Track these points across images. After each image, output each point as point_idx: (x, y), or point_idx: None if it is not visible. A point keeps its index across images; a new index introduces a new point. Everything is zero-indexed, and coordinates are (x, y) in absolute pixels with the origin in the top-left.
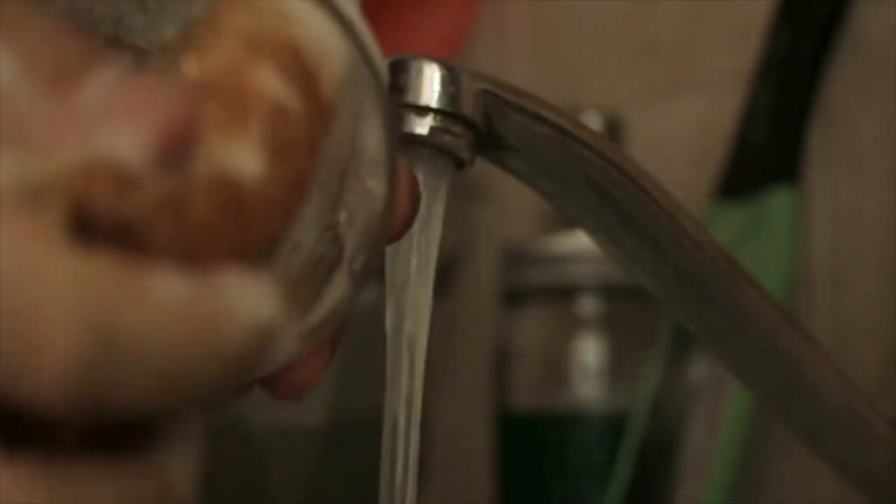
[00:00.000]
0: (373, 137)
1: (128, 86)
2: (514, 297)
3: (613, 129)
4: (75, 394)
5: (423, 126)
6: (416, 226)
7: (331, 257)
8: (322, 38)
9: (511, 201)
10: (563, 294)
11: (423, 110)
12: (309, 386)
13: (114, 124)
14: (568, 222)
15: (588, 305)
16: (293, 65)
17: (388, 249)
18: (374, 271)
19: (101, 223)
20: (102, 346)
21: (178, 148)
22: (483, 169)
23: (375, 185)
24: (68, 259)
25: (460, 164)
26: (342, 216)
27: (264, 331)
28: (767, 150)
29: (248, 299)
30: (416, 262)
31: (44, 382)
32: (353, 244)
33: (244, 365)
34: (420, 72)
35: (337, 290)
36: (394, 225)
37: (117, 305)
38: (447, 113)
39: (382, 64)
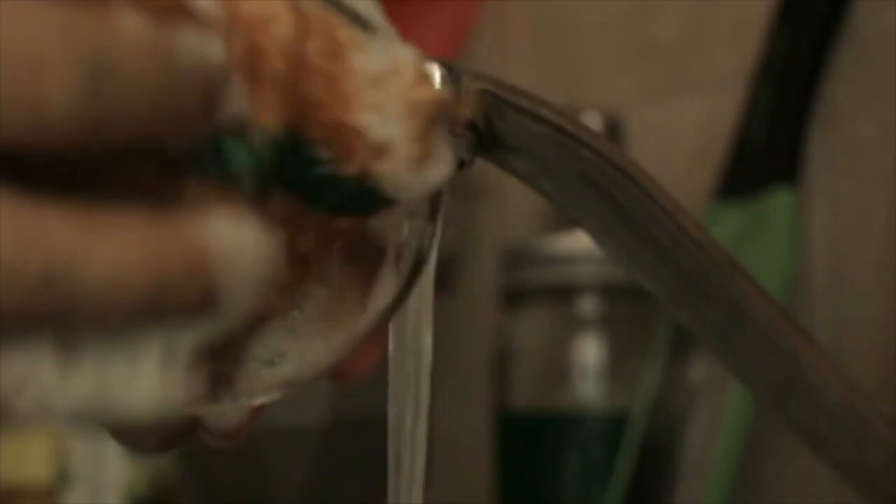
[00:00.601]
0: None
1: None
2: (514, 297)
3: (613, 129)
4: (80, 120)
5: None
6: None
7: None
8: None
9: (511, 201)
10: (563, 294)
11: None
12: (369, 371)
13: None
14: (568, 222)
15: (588, 305)
16: None
17: None
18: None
19: None
20: (95, 77)
21: None
22: (483, 169)
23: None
24: (57, 8)
25: (460, 165)
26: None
27: (216, 69)
28: (767, 150)
29: (200, 42)
30: None
31: (53, 112)
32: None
33: (203, 98)
34: None
35: (387, 290)
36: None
37: (102, 43)
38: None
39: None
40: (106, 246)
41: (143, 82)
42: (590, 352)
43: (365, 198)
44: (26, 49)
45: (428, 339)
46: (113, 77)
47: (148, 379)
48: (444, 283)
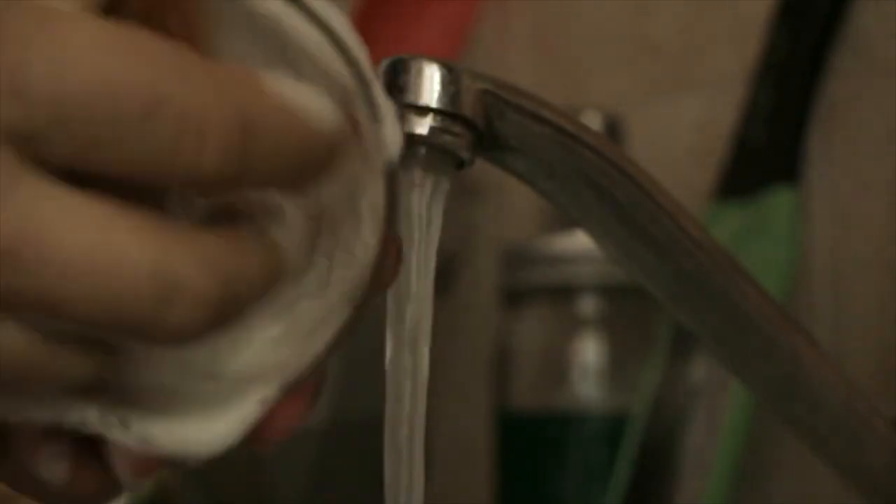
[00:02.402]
0: (375, 190)
1: None
2: (514, 297)
3: (613, 129)
4: (226, 174)
5: (423, 126)
6: (416, 226)
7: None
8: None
9: (511, 201)
10: (563, 294)
11: (423, 110)
12: (289, 429)
13: None
14: (568, 222)
15: (588, 305)
16: None
17: None
18: (355, 328)
19: None
20: (245, 135)
21: None
22: (483, 169)
23: (369, 236)
24: (205, 66)
25: (460, 164)
26: (324, 262)
27: (337, 133)
28: (767, 150)
29: (323, 105)
30: (417, 261)
31: (206, 168)
32: (337, 294)
33: (325, 157)
34: (420, 72)
35: (318, 340)
36: (380, 284)
37: (252, 103)
38: (447, 113)
39: (396, 133)
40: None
41: (283, 143)
42: (590, 352)
43: None
44: (187, 104)
45: (427, 340)
46: (259, 137)
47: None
48: (444, 283)
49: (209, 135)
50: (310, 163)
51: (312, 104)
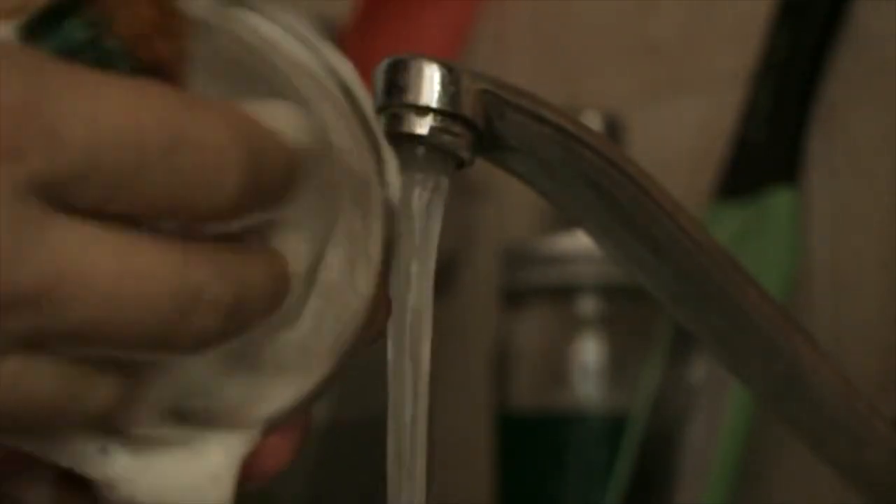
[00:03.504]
0: (373, 242)
1: None
2: (514, 297)
3: (613, 129)
4: (246, 191)
5: (423, 126)
6: (416, 226)
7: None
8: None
9: (511, 201)
10: (563, 294)
11: (423, 110)
12: (274, 469)
13: None
14: (568, 222)
15: (588, 305)
16: None
17: None
18: (344, 371)
19: None
20: (254, 158)
21: None
22: (483, 169)
23: (363, 287)
24: (209, 103)
25: (460, 164)
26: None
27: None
28: (767, 150)
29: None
30: (416, 261)
31: (227, 189)
32: (328, 341)
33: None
34: (420, 72)
35: (305, 381)
36: (370, 335)
37: (251, 131)
38: (447, 113)
39: (396, 176)
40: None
41: (281, 167)
42: (590, 352)
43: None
44: (205, 142)
45: (427, 340)
46: (266, 164)
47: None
48: (444, 283)
49: (227, 169)
50: (293, 177)
51: (286, 120)
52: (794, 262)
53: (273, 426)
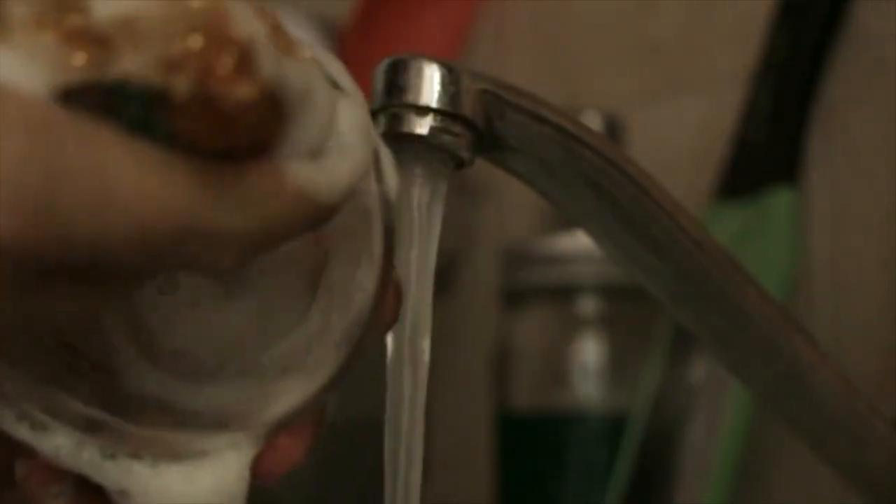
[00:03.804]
0: (374, 241)
1: None
2: (514, 297)
3: (613, 129)
4: (245, 261)
5: (423, 126)
6: (416, 226)
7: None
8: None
9: (511, 201)
10: (563, 294)
11: (423, 110)
12: (286, 468)
13: None
14: (568, 222)
15: (588, 305)
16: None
17: None
18: (352, 371)
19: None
20: (264, 232)
21: None
22: (483, 169)
23: (367, 283)
24: (229, 177)
25: (460, 164)
26: (325, 302)
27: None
28: (767, 150)
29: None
30: (416, 262)
31: (227, 259)
32: (335, 337)
33: None
34: (420, 72)
35: (313, 380)
36: (377, 328)
37: (269, 204)
38: (447, 113)
39: (396, 185)
40: None
41: (297, 226)
42: (590, 352)
43: None
44: (217, 226)
45: (427, 339)
46: (276, 230)
47: None
48: (444, 283)
49: (230, 247)
50: (312, 226)
51: (326, 180)
52: (794, 262)
53: (283, 426)
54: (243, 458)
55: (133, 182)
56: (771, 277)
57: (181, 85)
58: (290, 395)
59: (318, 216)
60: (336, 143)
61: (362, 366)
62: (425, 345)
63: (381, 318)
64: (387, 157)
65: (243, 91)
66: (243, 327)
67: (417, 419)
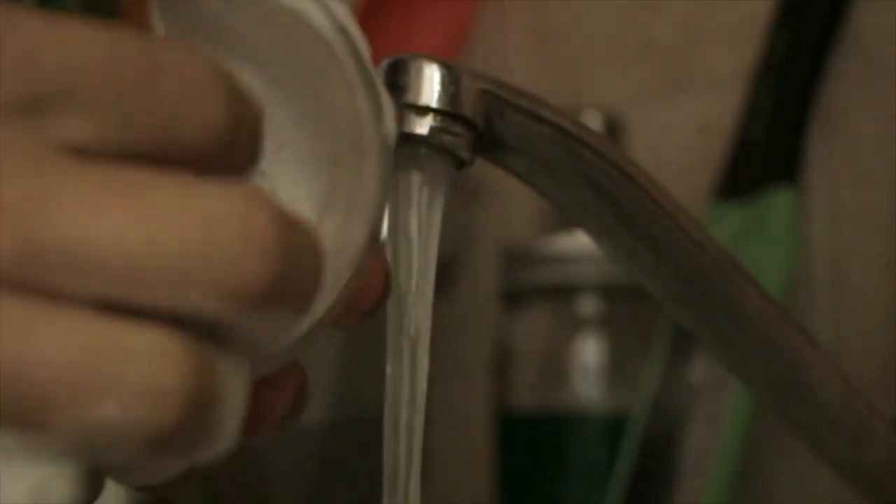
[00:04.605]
0: (367, 181)
1: None
2: (514, 297)
3: (613, 129)
4: (233, 125)
5: (423, 126)
6: (415, 226)
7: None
8: None
9: (511, 201)
10: (563, 294)
11: (423, 110)
12: (270, 424)
13: None
14: (568, 222)
15: (588, 305)
16: None
17: (389, 250)
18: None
19: None
20: (233, 95)
21: None
22: (483, 169)
23: (357, 231)
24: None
25: (460, 164)
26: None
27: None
28: (767, 150)
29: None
30: (417, 262)
31: (216, 117)
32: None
33: None
34: (420, 72)
35: (294, 330)
36: (364, 301)
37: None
38: (447, 113)
39: (393, 126)
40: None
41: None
42: (590, 352)
43: None
44: (185, 70)
45: (427, 340)
46: (241, 97)
47: None
48: (444, 283)
49: (211, 100)
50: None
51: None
52: (794, 262)
53: (262, 377)
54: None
55: None
56: (771, 277)
57: None
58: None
59: None
60: None
61: (362, 365)
62: (425, 345)
63: (366, 292)
64: (388, 104)
65: None
66: None
67: (417, 419)
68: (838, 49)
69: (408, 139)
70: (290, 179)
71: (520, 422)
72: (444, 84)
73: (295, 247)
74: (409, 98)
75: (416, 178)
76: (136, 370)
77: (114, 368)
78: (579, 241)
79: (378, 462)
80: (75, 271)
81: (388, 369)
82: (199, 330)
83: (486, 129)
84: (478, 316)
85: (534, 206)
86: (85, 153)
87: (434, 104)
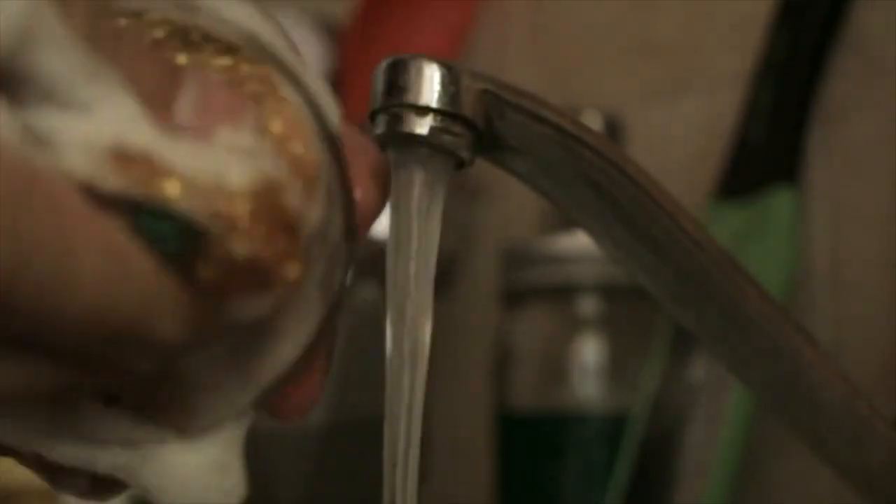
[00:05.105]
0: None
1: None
2: (514, 297)
3: (613, 129)
4: None
5: (423, 126)
6: (415, 226)
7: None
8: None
9: (511, 201)
10: (563, 294)
11: (423, 110)
12: (311, 403)
13: None
14: (568, 222)
15: (588, 305)
16: None
17: (388, 249)
18: (344, 287)
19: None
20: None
21: None
22: (483, 169)
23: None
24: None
25: (460, 164)
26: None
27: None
28: (767, 150)
29: None
30: (416, 262)
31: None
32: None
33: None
34: (420, 72)
35: (313, 309)
36: (361, 218)
37: None
38: (447, 113)
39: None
40: None
41: None
42: (590, 352)
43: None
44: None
45: (426, 340)
46: None
47: None
48: (444, 283)
49: (154, 356)
50: None
51: None
52: (794, 262)
53: (279, 385)
54: (236, 436)
55: (94, 268)
56: (771, 277)
57: (239, 248)
58: (275, 362)
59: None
60: None
61: (362, 367)
62: (425, 345)
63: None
64: (326, 95)
65: (291, 272)
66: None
67: (417, 419)
68: (838, 49)
69: (408, 139)
70: None
71: (520, 422)
72: (444, 84)
73: None
74: (410, 98)
75: (415, 179)
76: None
77: None
78: (579, 241)
79: (378, 463)
80: None
81: (388, 370)
82: None
83: (486, 129)
84: (478, 316)
85: (534, 206)
86: None
87: (434, 104)
